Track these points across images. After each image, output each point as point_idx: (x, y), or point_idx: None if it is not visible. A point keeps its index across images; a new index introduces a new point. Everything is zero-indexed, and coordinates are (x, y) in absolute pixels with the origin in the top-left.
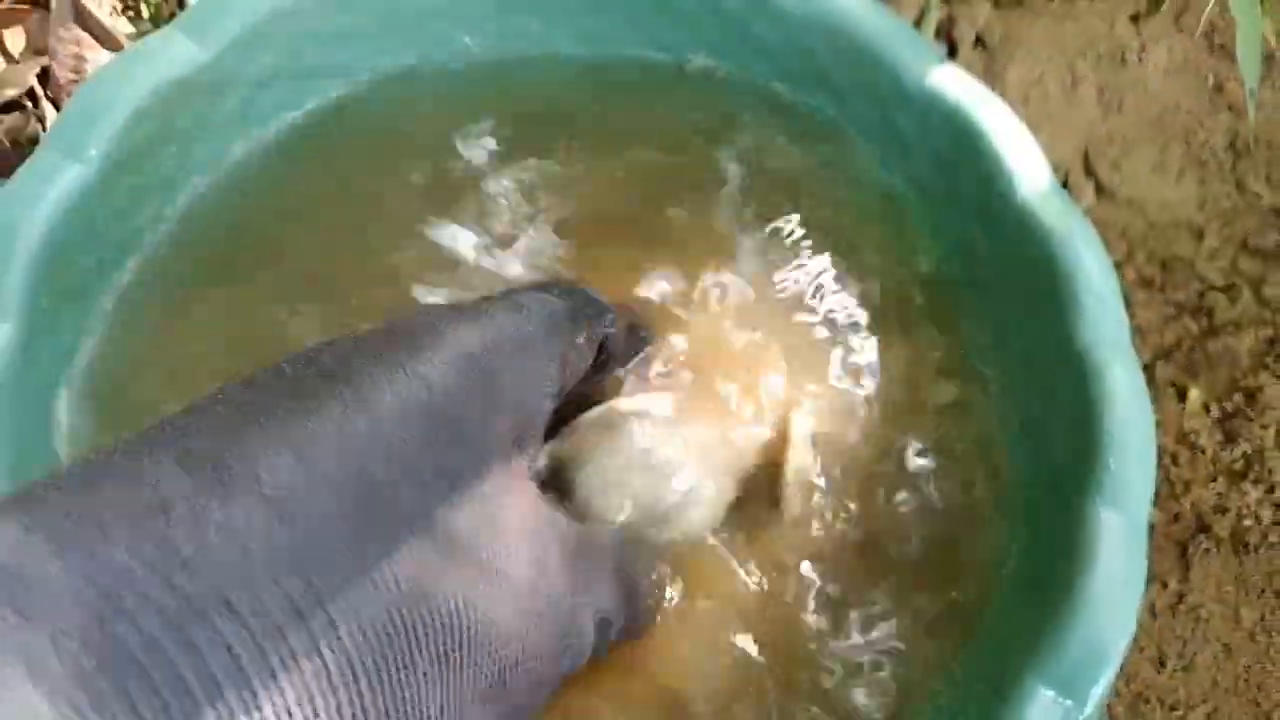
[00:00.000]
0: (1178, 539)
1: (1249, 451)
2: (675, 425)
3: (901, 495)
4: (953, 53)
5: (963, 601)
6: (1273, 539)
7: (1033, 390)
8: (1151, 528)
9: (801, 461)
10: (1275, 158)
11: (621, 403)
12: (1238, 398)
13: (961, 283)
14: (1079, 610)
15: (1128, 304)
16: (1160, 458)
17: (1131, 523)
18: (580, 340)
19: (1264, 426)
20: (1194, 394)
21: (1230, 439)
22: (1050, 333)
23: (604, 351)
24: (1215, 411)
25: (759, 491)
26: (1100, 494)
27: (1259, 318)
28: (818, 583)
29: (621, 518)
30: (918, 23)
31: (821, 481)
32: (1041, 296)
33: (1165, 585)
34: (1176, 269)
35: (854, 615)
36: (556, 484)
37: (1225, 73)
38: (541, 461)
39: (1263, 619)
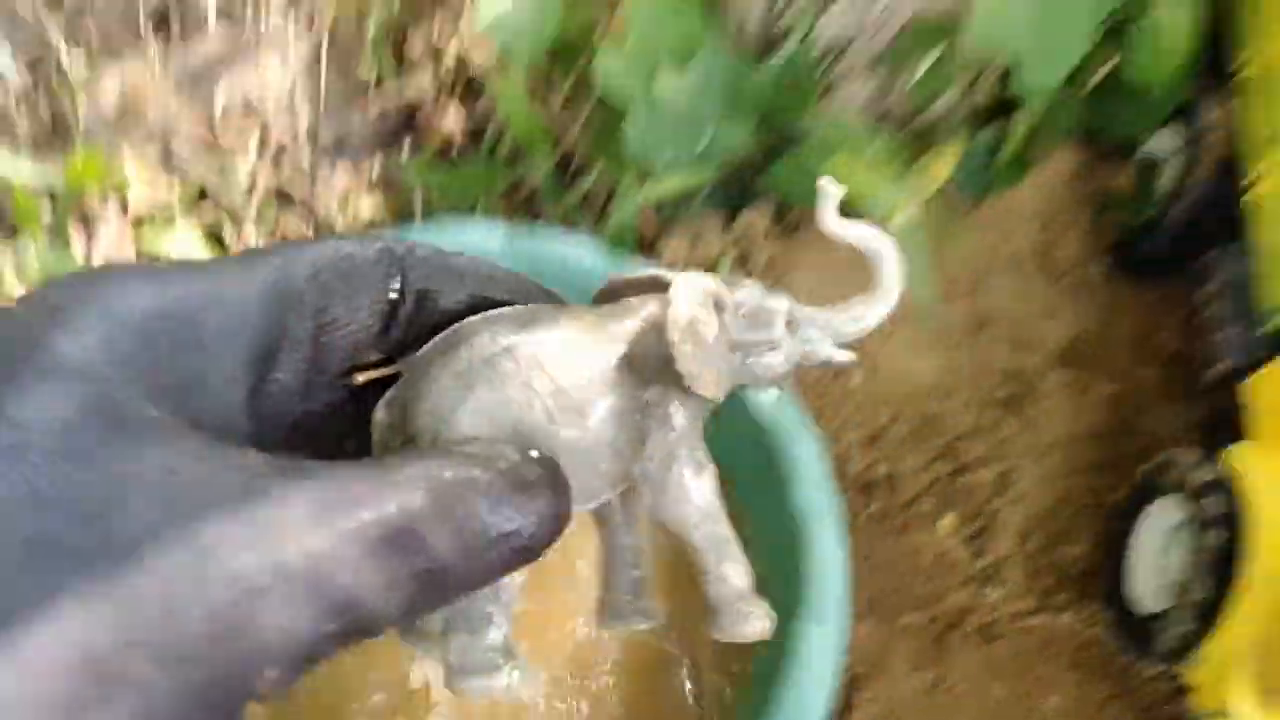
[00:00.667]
0: (936, 635)
1: (992, 561)
2: (531, 326)
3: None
4: (748, 275)
5: (727, 696)
6: (1013, 630)
7: (765, 540)
8: (904, 629)
9: (686, 312)
10: (1006, 331)
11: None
12: (981, 520)
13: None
14: (787, 693)
15: (895, 456)
16: (920, 570)
17: (830, 632)
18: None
19: (1003, 541)
20: (947, 519)
21: (977, 553)
22: (775, 500)
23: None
24: (965, 531)
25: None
26: (805, 613)
27: (997, 455)
28: None
29: (455, 436)
30: (715, 265)
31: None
32: (770, 475)
33: (926, 672)
34: (932, 423)
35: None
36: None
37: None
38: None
39: (1010, 694)
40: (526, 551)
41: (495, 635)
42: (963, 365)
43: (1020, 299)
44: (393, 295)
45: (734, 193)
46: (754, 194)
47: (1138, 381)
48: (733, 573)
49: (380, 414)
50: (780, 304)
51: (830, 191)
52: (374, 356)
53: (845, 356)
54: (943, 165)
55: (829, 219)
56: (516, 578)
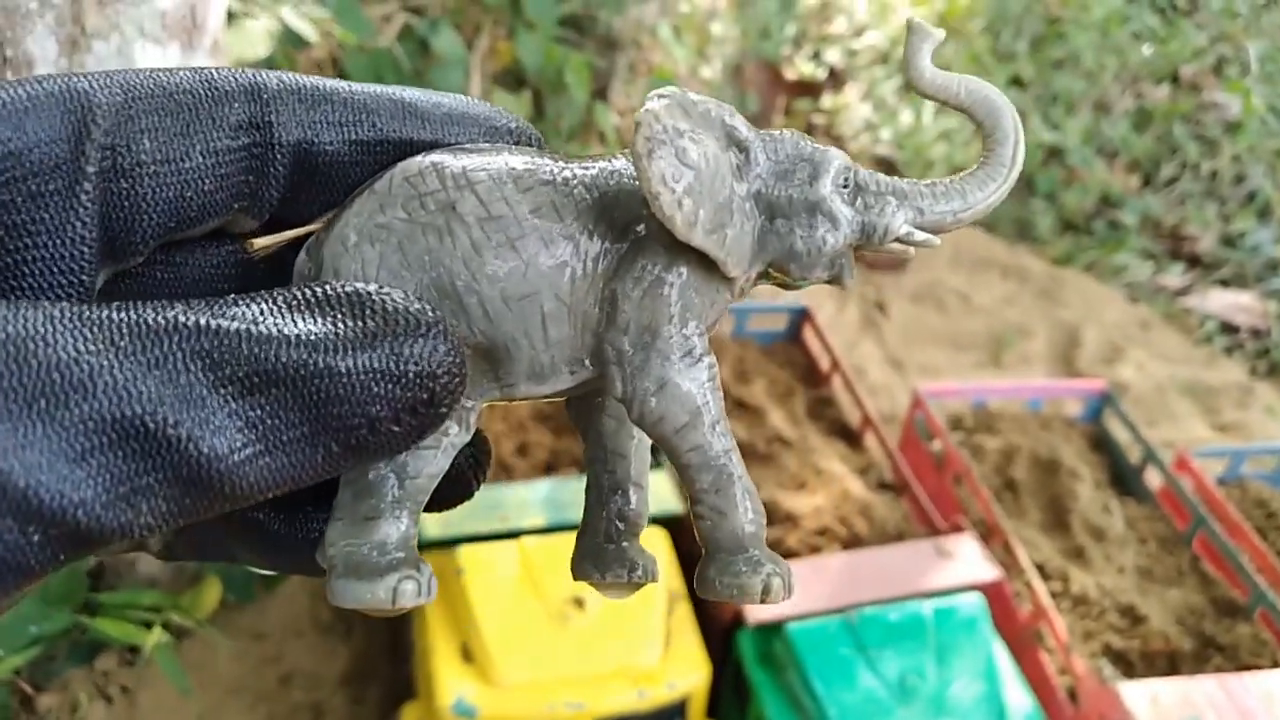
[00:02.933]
0: None
1: None
2: (475, 153)
3: None
4: None
5: None
6: None
7: None
8: None
9: (657, 108)
10: None
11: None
12: None
13: None
14: None
15: None
16: None
17: None
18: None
19: None
20: None
21: None
22: None
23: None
24: None
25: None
26: None
27: None
28: None
29: (352, 270)
30: None
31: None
32: None
33: None
34: None
35: None
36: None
37: None
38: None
39: None
40: (391, 421)
41: (389, 531)
42: None
43: None
44: (243, 141)
45: None
46: None
47: None
48: (730, 505)
49: (300, 259)
50: (830, 157)
51: (926, 31)
52: (248, 224)
53: (923, 236)
54: None
55: (924, 68)
56: (423, 463)
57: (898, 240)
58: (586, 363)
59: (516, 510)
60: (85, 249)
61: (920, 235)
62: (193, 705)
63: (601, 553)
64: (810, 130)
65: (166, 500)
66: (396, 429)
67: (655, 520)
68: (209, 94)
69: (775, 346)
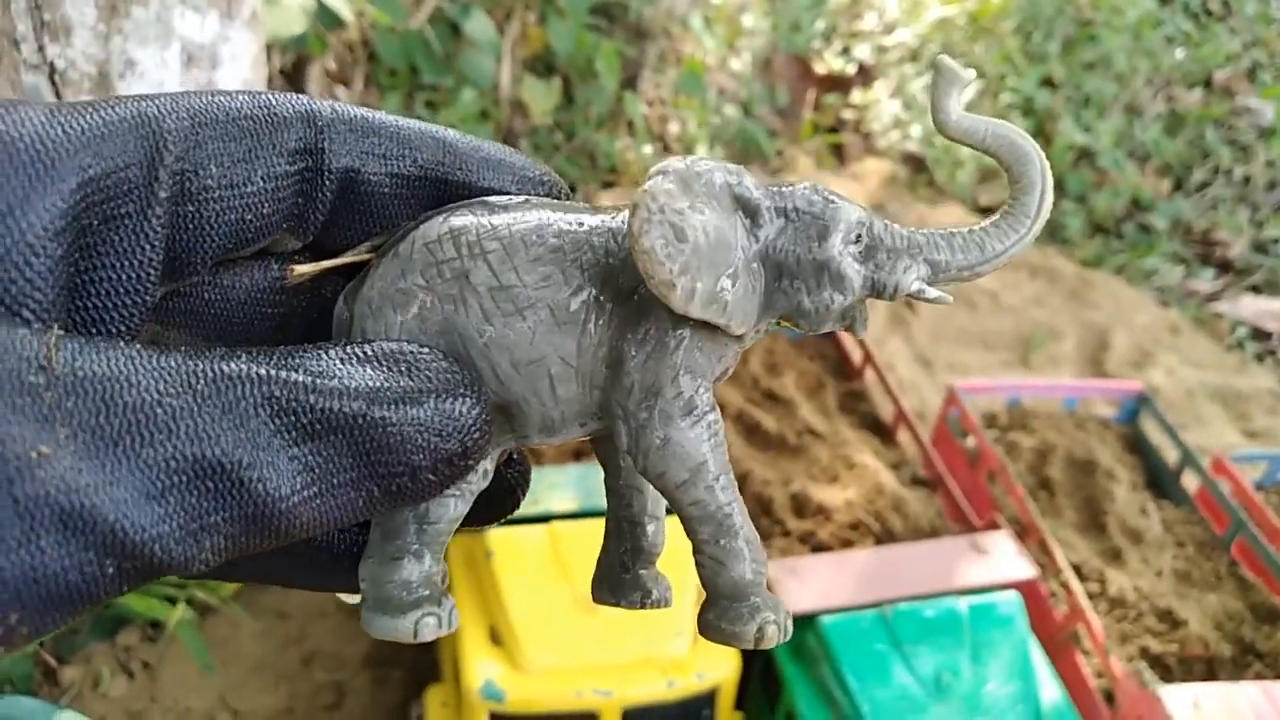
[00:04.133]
0: None
1: None
2: (495, 211)
3: None
4: None
5: None
6: None
7: None
8: None
9: (653, 190)
10: None
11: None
12: None
13: None
14: None
15: None
16: None
17: None
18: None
19: None
20: None
21: None
22: None
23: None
24: None
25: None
26: None
27: None
28: None
29: (377, 331)
30: None
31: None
32: None
33: None
34: None
35: None
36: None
37: None
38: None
39: None
40: (417, 473)
41: (411, 570)
42: None
43: None
44: (298, 166)
45: None
46: None
47: None
48: (731, 555)
49: (339, 306)
50: (840, 214)
51: (954, 74)
52: (291, 245)
53: (936, 294)
54: None
55: (950, 111)
56: (445, 509)
57: (910, 295)
58: (596, 415)
59: (547, 494)
60: (153, 270)
61: (933, 293)
62: (214, 682)
63: (618, 579)
64: (840, 125)
65: (228, 537)
66: (432, 478)
67: None
68: (269, 119)
69: (806, 339)
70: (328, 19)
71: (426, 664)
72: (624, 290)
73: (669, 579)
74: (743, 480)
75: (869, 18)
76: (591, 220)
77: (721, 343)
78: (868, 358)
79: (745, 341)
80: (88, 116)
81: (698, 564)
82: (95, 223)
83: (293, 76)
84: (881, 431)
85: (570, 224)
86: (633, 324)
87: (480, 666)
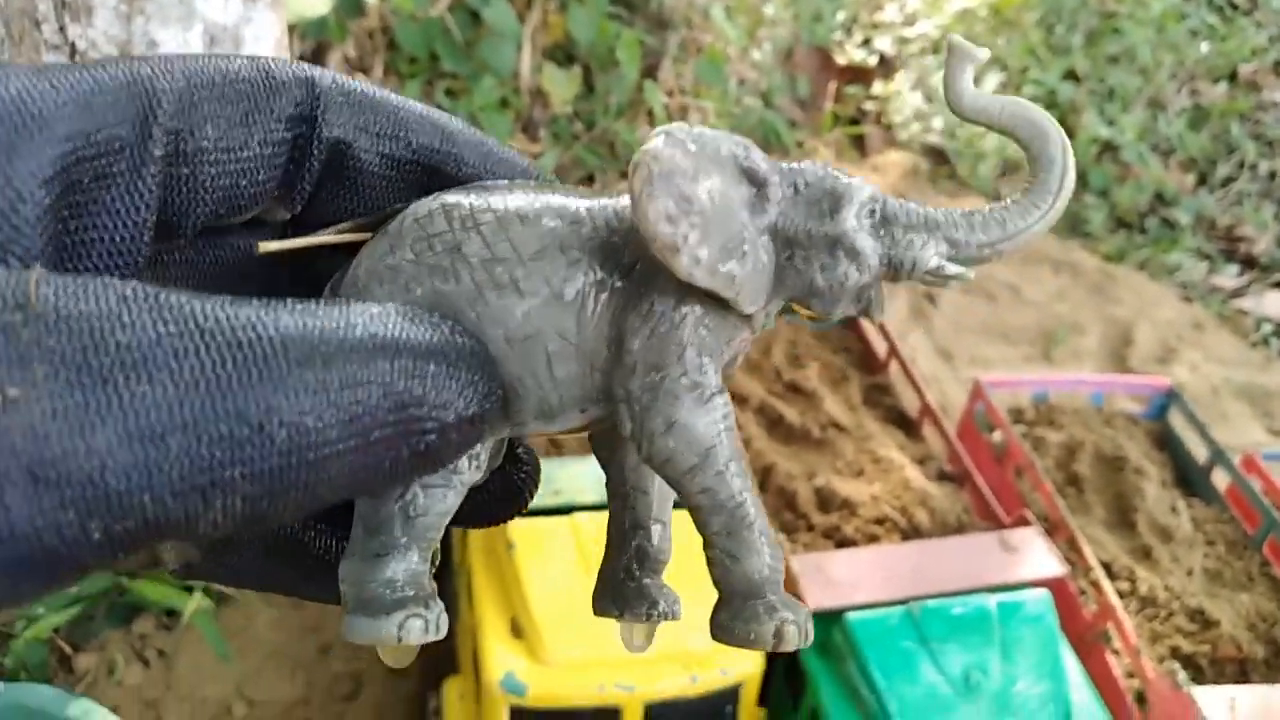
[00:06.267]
0: None
1: None
2: (487, 192)
3: None
4: None
5: None
6: None
7: None
8: None
9: (656, 150)
10: None
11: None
12: None
13: None
14: None
15: None
16: None
17: None
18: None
19: None
20: None
21: None
22: None
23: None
24: None
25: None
26: None
27: None
28: None
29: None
30: None
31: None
32: None
33: None
34: None
35: None
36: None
37: None
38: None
39: None
40: (418, 443)
41: (396, 568)
42: None
43: None
44: (293, 133)
45: None
46: None
47: None
48: (745, 548)
49: (326, 290)
50: (855, 188)
51: (967, 51)
52: (280, 215)
53: (957, 270)
54: None
55: (963, 90)
56: (434, 500)
57: (929, 273)
58: (598, 401)
59: (570, 486)
60: (145, 231)
61: (952, 269)
62: (230, 671)
63: (622, 589)
64: (861, 117)
65: (245, 498)
66: (456, 437)
67: None
68: (267, 84)
69: (829, 331)
70: (348, 5)
71: (444, 656)
72: (626, 266)
73: (676, 592)
74: (765, 473)
75: (890, 9)
76: (592, 199)
77: (731, 323)
78: (892, 350)
79: (755, 324)
80: (77, 74)
81: (709, 561)
82: (86, 179)
83: (312, 63)
84: (906, 425)
85: (570, 201)
86: (635, 300)
87: (501, 659)
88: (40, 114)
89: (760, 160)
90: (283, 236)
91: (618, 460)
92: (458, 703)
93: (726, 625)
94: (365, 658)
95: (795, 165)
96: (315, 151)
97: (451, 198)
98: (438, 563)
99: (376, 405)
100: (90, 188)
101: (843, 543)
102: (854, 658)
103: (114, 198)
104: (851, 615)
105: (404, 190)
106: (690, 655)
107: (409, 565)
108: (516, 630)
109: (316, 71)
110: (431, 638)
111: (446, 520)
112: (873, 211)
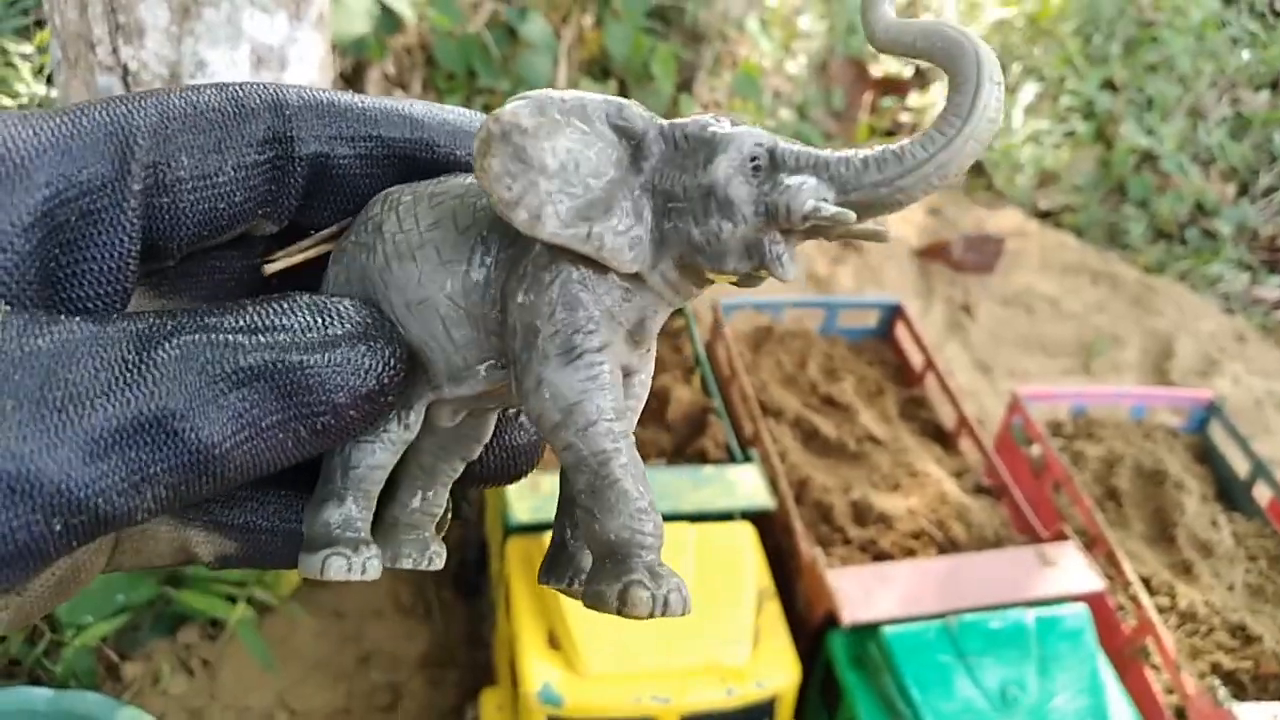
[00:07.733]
0: None
1: None
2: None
3: None
4: None
5: None
6: None
7: None
8: None
9: (504, 114)
10: None
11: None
12: None
13: None
14: None
15: None
16: None
17: None
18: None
19: None
20: None
21: None
22: None
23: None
24: None
25: None
26: None
27: None
28: None
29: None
30: None
31: None
32: None
33: None
34: None
35: None
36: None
37: None
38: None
39: None
40: (330, 411)
41: (332, 513)
42: None
43: None
44: (267, 155)
45: None
46: None
47: None
48: (602, 508)
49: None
50: (733, 136)
51: None
52: (269, 229)
53: (833, 210)
54: None
55: (877, 19)
56: (364, 454)
57: (815, 220)
58: (498, 364)
59: None
60: (131, 260)
61: (829, 209)
62: (273, 681)
63: (558, 557)
64: (896, 129)
65: (168, 486)
66: (354, 414)
67: (744, 515)
68: (236, 111)
69: (865, 343)
70: (388, 23)
71: (481, 667)
72: (513, 234)
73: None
74: (801, 486)
75: (926, 20)
76: None
77: (614, 283)
78: (928, 363)
79: (653, 285)
80: (57, 120)
81: (577, 520)
82: (72, 218)
83: (351, 80)
84: (943, 439)
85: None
86: (515, 264)
87: (539, 670)
88: (21, 163)
89: (637, 118)
90: (280, 247)
91: None
92: (496, 713)
93: (585, 587)
94: (404, 669)
95: (680, 121)
96: (295, 168)
97: (396, 187)
98: (446, 523)
99: (261, 398)
100: (76, 225)
101: (879, 556)
102: (890, 672)
103: (99, 232)
104: (888, 629)
105: (387, 181)
106: (726, 668)
107: (343, 511)
108: (554, 642)
109: (285, 92)
110: (354, 578)
111: (379, 473)
112: (755, 159)
